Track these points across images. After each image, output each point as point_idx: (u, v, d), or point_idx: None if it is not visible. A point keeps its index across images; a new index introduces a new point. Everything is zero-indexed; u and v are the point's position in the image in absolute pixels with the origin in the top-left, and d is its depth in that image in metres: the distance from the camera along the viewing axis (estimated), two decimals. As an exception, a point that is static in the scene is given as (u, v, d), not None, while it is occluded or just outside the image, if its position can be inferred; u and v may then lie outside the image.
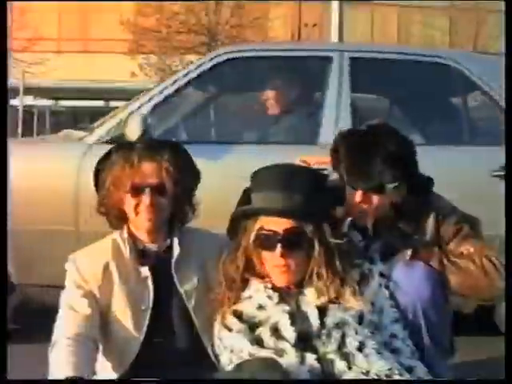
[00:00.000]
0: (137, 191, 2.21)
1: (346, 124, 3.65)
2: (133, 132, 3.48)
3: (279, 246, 2.04)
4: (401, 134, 2.50)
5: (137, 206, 2.22)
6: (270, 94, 4.07)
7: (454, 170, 3.62)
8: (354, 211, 2.41)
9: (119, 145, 2.29)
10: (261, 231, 2.08)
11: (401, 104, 4.59)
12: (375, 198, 2.41)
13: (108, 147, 2.32)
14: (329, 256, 2.09)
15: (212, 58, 3.91)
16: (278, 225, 2.06)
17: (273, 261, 2.07)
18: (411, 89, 4.21)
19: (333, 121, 3.74)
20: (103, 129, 3.78)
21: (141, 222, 2.24)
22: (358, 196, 2.40)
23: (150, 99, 3.80)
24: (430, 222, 2.45)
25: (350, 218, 2.43)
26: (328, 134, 3.63)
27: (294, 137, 3.97)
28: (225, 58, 3.90)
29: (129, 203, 2.23)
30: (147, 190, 2.20)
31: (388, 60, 4.02)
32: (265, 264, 2.11)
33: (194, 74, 3.86)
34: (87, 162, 3.46)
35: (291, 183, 2.09)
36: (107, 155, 2.28)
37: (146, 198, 2.20)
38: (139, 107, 3.76)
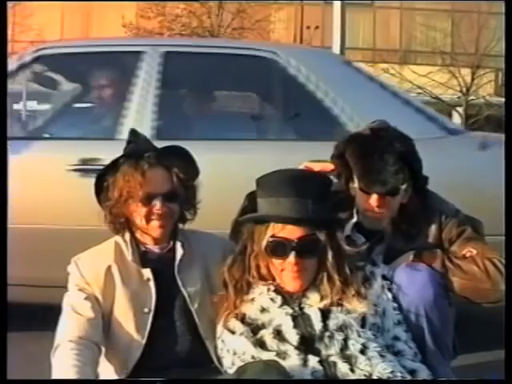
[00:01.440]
0: (149, 200, 2.20)
1: (147, 121, 3.59)
2: None
3: (293, 253, 2.04)
4: (404, 134, 2.51)
5: (148, 214, 2.21)
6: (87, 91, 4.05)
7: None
8: (368, 215, 2.42)
9: (127, 155, 2.27)
10: (273, 238, 2.06)
11: (219, 97, 4.53)
12: (390, 201, 2.41)
13: None
14: (340, 261, 2.09)
15: (21, 57, 3.83)
16: (292, 232, 2.05)
17: (285, 268, 2.07)
18: (228, 82, 4.17)
19: (135, 117, 3.64)
20: None
21: (152, 229, 2.23)
22: (374, 200, 2.39)
23: None
24: (433, 225, 2.46)
25: (353, 221, 2.44)
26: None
27: (100, 133, 3.87)
28: (34, 55, 3.81)
29: (140, 212, 2.22)
30: (159, 198, 2.20)
31: (204, 54, 3.94)
32: (275, 270, 2.10)
33: None
34: None
35: (303, 189, 2.08)
36: (113, 165, 2.26)
37: (158, 207, 2.20)
38: None
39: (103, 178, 2.27)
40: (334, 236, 2.10)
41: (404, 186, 2.42)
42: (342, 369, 1.97)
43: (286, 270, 2.07)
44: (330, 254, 2.08)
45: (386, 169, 2.38)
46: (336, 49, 9.77)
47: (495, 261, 2.33)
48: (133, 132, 2.34)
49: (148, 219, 2.22)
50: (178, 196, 2.23)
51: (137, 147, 2.27)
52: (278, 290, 2.10)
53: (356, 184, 2.44)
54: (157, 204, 2.20)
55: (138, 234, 2.28)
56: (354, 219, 2.46)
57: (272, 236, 2.06)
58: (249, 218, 2.16)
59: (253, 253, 2.11)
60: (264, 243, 2.07)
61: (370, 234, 2.46)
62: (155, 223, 2.22)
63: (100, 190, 2.27)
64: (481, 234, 2.49)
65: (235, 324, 2.08)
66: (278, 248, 2.06)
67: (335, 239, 2.10)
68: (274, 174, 2.17)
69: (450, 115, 21.17)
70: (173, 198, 2.23)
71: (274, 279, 2.12)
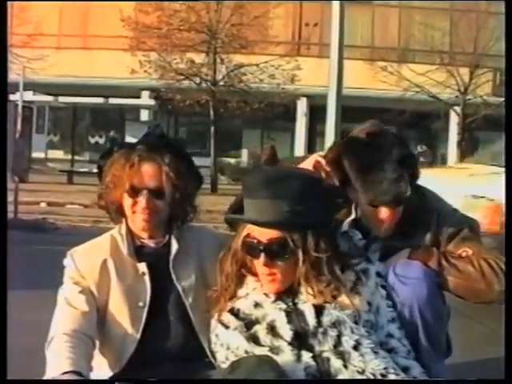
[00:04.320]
0: (134, 192, 2.21)
1: None
2: None
3: (262, 255, 2.04)
4: (399, 136, 2.48)
5: (133, 205, 2.22)
6: None
7: None
8: (373, 226, 2.39)
9: (121, 144, 2.29)
10: (247, 238, 2.07)
11: None
12: (396, 211, 2.39)
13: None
14: (315, 264, 2.05)
15: None
16: (263, 234, 2.04)
17: (259, 268, 2.07)
18: None
19: None
20: None
21: (137, 221, 2.24)
22: (381, 213, 2.37)
23: None
24: (430, 223, 2.45)
25: (351, 217, 2.43)
26: None
27: None
28: None
29: (126, 202, 2.24)
30: (145, 193, 2.20)
31: None
32: (254, 268, 2.10)
33: None
34: None
35: (281, 190, 2.04)
36: (109, 152, 2.28)
37: (142, 200, 2.20)
38: None
39: (100, 162, 2.30)
40: (307, 239, 2.04)
41: (408, 194, 2.37)
42: (335, 365, 1.98)
43: (261, 271, 2.07)
44: (301, 257, 2.04)
45: (389, 180, 2.34)
46: (334, 46, 9.77)
47: (491, 261, 2.33)
48: (154, 126, 2.35)
49: (133, 211, 2.23)
50: (166, 194, 2.23)
51: (146, 140, 2.28)
52: (272, 286, 2.10)
53: (360, 195, 2.39)
54: (141, 198, 2.20)
55: (133, 227, 2.28)
56: (353, 216, 2.45)
57: (246, 236, 2.07)
58: (228, 218, 2.17)
59: (233, 250, 2.11)
60: (240, 242, 2.08)
61: (368, 230, 2.45)
62: (139, 216, 2.22)
63: (99, 174, 2.30)
64: (477, 233, 2.49)
65: (229, 319, 2.09)
66: (250, 248, 2.06)
67: (308, 243, 2.04)
68: (256, 173, 2.16)
69: (447, 114, 21.21)
70: (159, 194, 2.22)
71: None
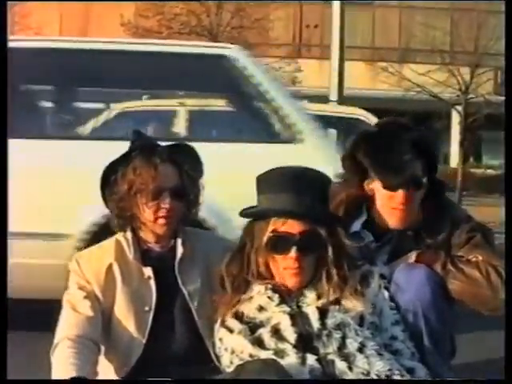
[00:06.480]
0: (158, 194, 2.20)
1: None
2: None
3: (294, 248, 2.04)
4: (410, 123, 2.46)
5: (156, 209, 2.21)
6: None
7: None
8: (393, 213, 2.38)
9: (141, 148, 2.27)
10: (274, 233, 2.07)
11: None
12: (415, 195, 2.36)
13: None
14: (340, 258, 2.10)
15: None
16: (293, 227, 2.05)
17: (285, 263, 2.08)
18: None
19: None
20: None
21: (157, 226, 2.23)
22: (400, 197, 2.34)
23: None
24: (444, 229, 2.41)
25: (363, 218, 2.42)
26: None
27: None
28: None
29: (148, 206, 2.21)
30: (168, 193, 2.20)
31: None
32: (275, 266, 2.11)
33: None
34: None
35: (303, 185, 2.09)
36: (124, 158, 2.26)
37: (166, 202, 2.20)
38: None
39: (111, 171, 2.26)
40: (335, 232, 2.11)
41: (425, 179, 2.37)
42: (340, 367, 1.98)
43: (287, 266, 2.07)
44: (330, 251, 2.09)
45: (404, 162, 2.33)
46: (335, 47, 9.78)
47: (499, 269, 2.29)
48: (136, 132, 2.34)
49: (155, 215, 2.21)
50: (186, 193, 2.24)
51: (145, 143, 2.28)
52: (276, 289, 2.10)
53: (376, 184, 2.39)
54: (165, 199, 2.20)
55: (141, 231, 2.28)
56: (364, 216, 2.44)
57: (273, 231, 2.07)
58: (249, 213, 2.16)
59: (252, 249, 2.12)
60: (265, 239, 2.08)
61: (379, 232, 2.43)
62: (162, 220, 2.22)
63: (106, 184, 2.27)
64: (490, 242, 2.43)
65: (233, 323, 2.09)
66: (280, 243, 2.06)
67: (336, 235, 2.11)
68: (274, 170, 2.17)
69: (449, 114, 21.17)
70: (180, 194, 2.23)
71: (272, 277, 2.13)
